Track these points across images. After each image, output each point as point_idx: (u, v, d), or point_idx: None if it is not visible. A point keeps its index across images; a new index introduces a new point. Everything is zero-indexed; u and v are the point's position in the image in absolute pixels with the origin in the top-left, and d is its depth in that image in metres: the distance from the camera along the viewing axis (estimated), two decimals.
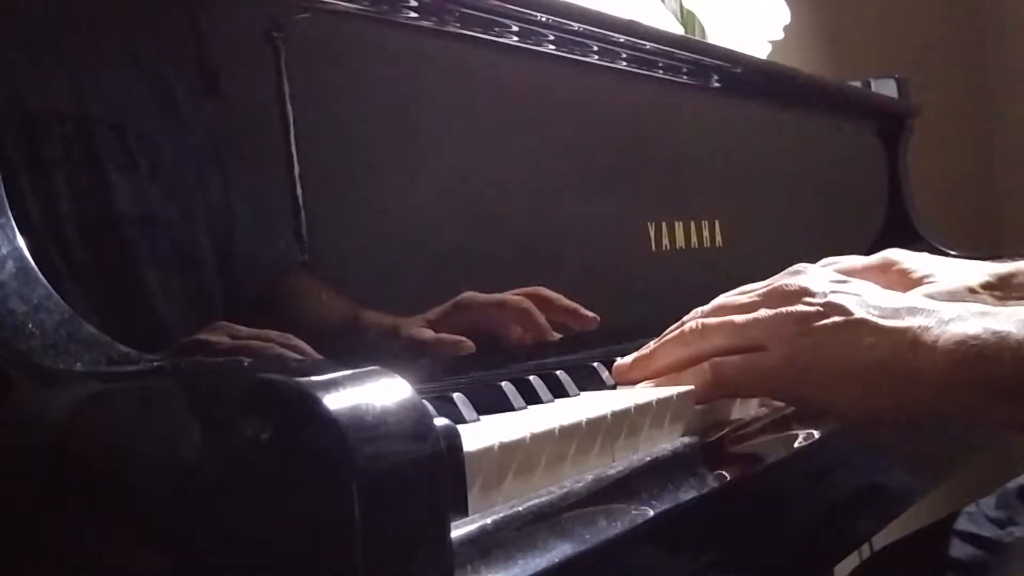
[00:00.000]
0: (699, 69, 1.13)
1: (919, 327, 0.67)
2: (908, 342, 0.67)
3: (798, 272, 0.74)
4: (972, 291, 0.91)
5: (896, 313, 0.68)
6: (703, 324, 0.72)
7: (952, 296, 0.90)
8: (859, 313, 0.68)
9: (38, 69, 0.60)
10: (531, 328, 0.85)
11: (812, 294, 0.70)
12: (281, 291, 0.71)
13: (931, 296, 0.90)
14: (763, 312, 0.70)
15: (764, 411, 0.78)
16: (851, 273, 1.00)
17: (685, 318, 0.75)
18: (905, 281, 0.96)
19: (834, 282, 0.72)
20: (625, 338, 0.88)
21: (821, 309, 0.69)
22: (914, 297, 0.72)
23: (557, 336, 0.87)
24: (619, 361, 0.75)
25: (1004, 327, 0.66)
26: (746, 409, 0.77)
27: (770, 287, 0.73)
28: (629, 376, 0.74)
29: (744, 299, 0.73)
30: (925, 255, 1.00)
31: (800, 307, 0.69)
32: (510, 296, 0.84)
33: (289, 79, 0.70)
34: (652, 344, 0.75)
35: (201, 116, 0.67)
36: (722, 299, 0.75)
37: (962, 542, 1.06)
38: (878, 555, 1.11)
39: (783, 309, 0.70)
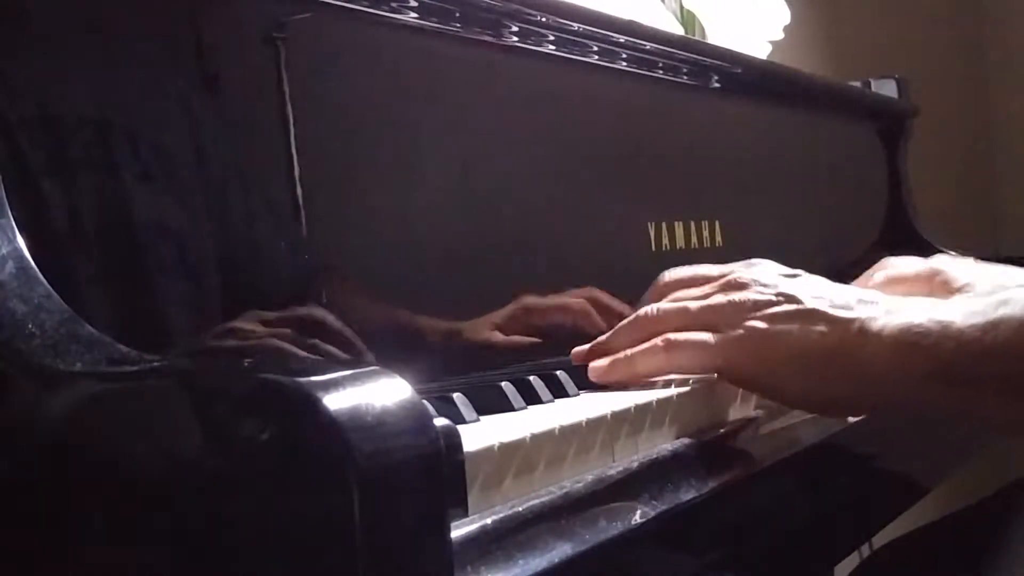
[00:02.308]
0: (699, 69, 1.13)
1: (867, 316, 0.69)
2: (856, 331, 0.69)
3: (752, 264, 0.76)
4: None
5: (846, 304, 0.70)
6: (659, 309, 0.75)
7: None
8: (810, 303, 0.70)
9: (37, 70, 0.60)
10: (591, 329, 0.86)
11: (765, 284, 0.72)
12: (280, 291, 0.71)
13: None
14: (717, 298, 0.73)
15: (764, 411, 0.78)
16: (902, 280, 1.00)
17: (639, 308, 0.76)
18: (946, 291, 0.97)
19: (785, 275, 0.74)
20: None
21: (773, 298, 0.71)
22: (864, 290, 0.74)
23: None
24: (577, 349, 0.77)
25: (947, 316, 0.68)
26: (746, 409, 0.77)
27: (724, 279, 0.75)
28: (587, 361, 0.75)
29: (697, 291, 0.75)
30: (969, 262, 1.01)
31: (753, 296, 0.72)
32: (571, 299, 0.86)
33: (289, 79, 0.70)
34: (607, 334, 0.77)
35: (201, 116, 0.67)
36: (676, 291, 0.77)
37: (962, 540, 1.06)
38: (879, 553, 1.11)
39: (736, 296, 0.72)
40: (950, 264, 0.99)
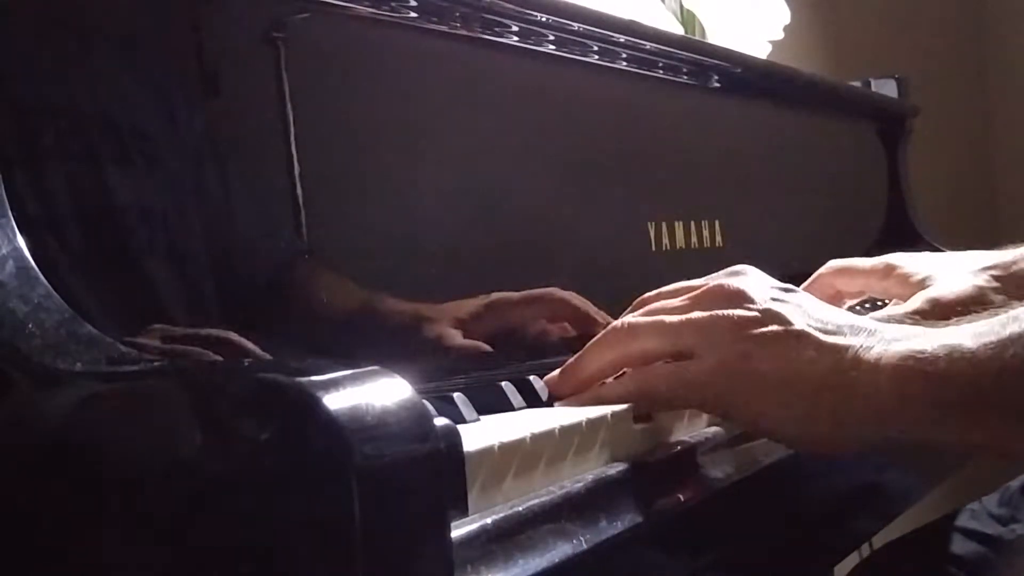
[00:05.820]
0: (699, 69, 1.13)
1: (861, 345, 0.62)
2: (850, 359, 0.62)
3: (737, 273, 0.70)
4: (979, 288, 0.91)
5: (839, 329, 0.63)
6: (631, 323, 0.68)
7: (960, 298, 0.90)
8: (799, 325, 0.63)
9: (39, 68, 0.60)
10: (569, 319, 0.83)
11: (751, 299, 0.65)
12: (281, 290, 0.71)
13: (936, 299, 0.91)
14: (697, 314, 0.65)
15: None
16: (855, 275, 1.00)
17: (615, 321, 0.70)
18: (905, 286, 0.96)
19: (775, 288, 0.67)
20: None
21: (759, 316, 0.64)
22: (859, 317, 0.67)
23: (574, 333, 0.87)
24: (549, 376, 0.70)
25: (955, 339, 0.60)
26: None
27: (706, 287, 0.68)
28: (560, 389, 0.69)
29: (677, 301, 0.68)
30: (925, 255, 1.00)
31: (737, 311, 0.64)
32: (541, 291, 0.84)
33: (289, 79, 0.70)
34: (578, 354, 0.70)
35: (201, 116, 0.67)
36: (654, 303, 0.70)
37: (964, 539, 1.06)
38: (878, 553, 1.11)
39: (718, 312, 0.65)
40: (905, 258, 0.98)
